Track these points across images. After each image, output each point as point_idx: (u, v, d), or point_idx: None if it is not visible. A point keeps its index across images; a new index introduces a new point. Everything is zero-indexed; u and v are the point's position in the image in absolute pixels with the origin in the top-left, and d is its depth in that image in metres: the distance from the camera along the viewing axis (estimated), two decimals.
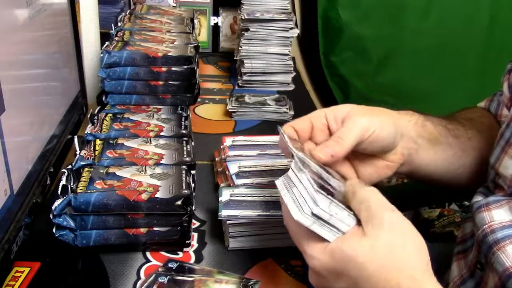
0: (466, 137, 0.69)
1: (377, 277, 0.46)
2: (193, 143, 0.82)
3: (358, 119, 0.59)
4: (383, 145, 0.62)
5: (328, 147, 0.57)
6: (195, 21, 1.29)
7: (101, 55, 0.91)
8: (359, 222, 0.49)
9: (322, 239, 0.49)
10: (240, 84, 1.22)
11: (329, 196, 0.49)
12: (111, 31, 1.06)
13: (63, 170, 0.67)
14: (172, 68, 0.94)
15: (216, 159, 0.85)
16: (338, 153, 0.57)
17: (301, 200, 0.49)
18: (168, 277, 0.60)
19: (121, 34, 1.04)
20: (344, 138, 0.58)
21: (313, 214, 0.48)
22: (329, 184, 0.51)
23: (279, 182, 0.53)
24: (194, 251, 0.68)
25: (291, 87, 1.23)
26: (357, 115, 0.60)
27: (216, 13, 1.49)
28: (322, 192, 0.49)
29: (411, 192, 1.11)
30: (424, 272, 0.46)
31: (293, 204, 0.50)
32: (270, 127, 1.06)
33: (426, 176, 0.68)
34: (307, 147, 0.59)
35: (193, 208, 0.67)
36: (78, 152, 0.74)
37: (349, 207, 0.50)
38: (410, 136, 0.64)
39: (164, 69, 0.93)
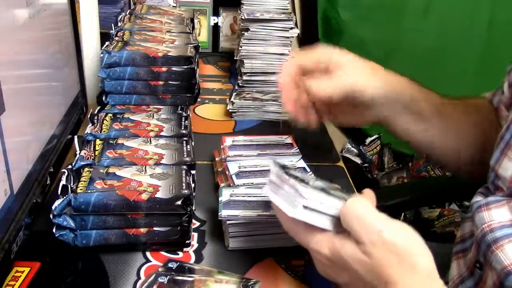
0: (456, 118, 0.74)
1: (378, 282, 0.47)
2: (193, 143, 0.82)
3: (348, 73, 0.66)
4: (364, 101, 0.68)
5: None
6: (195, 21, 1.29)
7: (101, 55, 0.91)
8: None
9: (322, 230, 0.50)
10: (240, 84, 1.22)
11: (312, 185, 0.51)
12: (111, 31, 1.06)
13: (63, 170, 0.67)
14: (172, 68, 0.94)
15: (216, 159, 0.85)
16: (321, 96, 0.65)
17: (291, 198, 0.51)
18: (168, 277, 0.60)
19: (121, 34, 1.04)
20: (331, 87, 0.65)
21: (305, 207, 0.50)
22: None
23: (266, 189, 0.55)
24: (194, 251, 0.68)
25: None
26: (348, 68, 0.66)
27: (216, 13, 1.49)
28: (305, 183, 0.51)
29: (411, 192, 1.11)
30: (426, 278, 0.47)
31: (285, 203, 0.51)
32: (270, 127, 1.06)
33: (404, 139, 0.74)
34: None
35: (193, 208, 0.67)
36: (78, 152, 0.74)
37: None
38: (398, 102, 0.70)
39: (164, 69, 0.93)
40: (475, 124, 0.74)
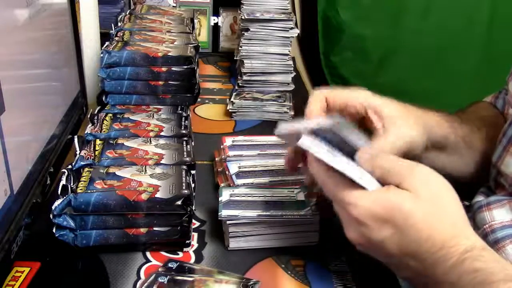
0: (478, 137, 0.70)
1: (422, 225, 0.46)
2: (193, 143, 0.82)
3: (402, 131, 0.60)
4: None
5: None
6: (195, 21, 1.29)
7: (101, 55, 0.91)
8: None
9: (362, 187, 0.49)
10: (240, 84, 1.22)
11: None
12: (111, 31, 1.06)
13: (63, 170, 0.67)
14: (172, 68, 0.94)
15: (216, 159, 0.85)
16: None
17: (334, 150, 0.49)
18: (168, 277, 0.60)
19: (121, 34, 1.04)
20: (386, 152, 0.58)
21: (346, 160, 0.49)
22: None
23: (305, 140, 0.51)
24: (194, 251, 0.68)
25: (291, 87, 1.23)
26: (399, 122, 0.61)
27: (216, 13, 1.49)
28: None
29: None
30: (464, 220, 0.48)
31: (324, 151, 0.49)
32: (270, 127, 1.05)
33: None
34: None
35: (193, 208, 0.67)
36: (78, 152, 0.74)
37: None
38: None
39: (164, 69, 0.93)
40: (488, 134, 0.71)
